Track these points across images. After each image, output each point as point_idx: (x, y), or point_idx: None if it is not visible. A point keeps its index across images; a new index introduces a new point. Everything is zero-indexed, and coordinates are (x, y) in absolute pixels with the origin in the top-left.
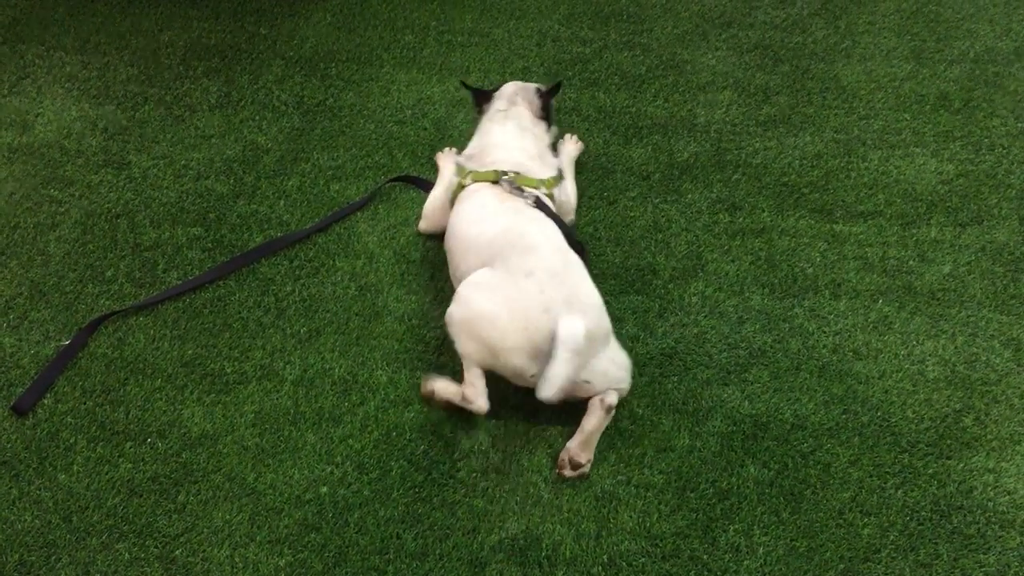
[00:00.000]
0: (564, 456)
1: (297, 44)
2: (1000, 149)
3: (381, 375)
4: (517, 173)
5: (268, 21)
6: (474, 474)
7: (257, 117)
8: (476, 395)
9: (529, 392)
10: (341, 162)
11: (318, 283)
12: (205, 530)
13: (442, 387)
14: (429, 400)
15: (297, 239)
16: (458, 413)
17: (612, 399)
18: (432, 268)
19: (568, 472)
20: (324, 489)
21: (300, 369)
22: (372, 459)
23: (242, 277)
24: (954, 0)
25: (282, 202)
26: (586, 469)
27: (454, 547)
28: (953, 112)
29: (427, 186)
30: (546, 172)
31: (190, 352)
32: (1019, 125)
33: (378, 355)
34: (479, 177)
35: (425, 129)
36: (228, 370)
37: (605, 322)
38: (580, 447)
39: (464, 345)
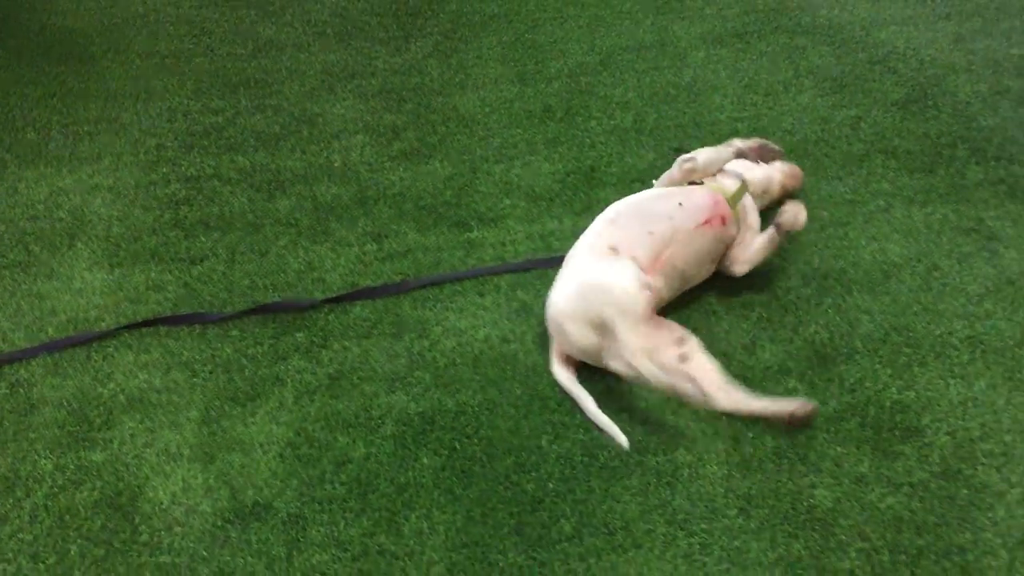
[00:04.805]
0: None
1: None
2: (600, 146)
3: (46, 464)
4: None
5: None
6: (158, 532)
7: None
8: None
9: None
10: None
11: None
12: None
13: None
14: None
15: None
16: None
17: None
18: (88, 348)
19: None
20: None
21: None
22: (47, 547)
23: None
24: (546, 27)
25: None
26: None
27: None
28: (557, 121)
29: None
30: None
31: None
32: (611, 123)
33: (40, 446)
34: None
35: (61, 220)
36: None
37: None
38: None
39: None
